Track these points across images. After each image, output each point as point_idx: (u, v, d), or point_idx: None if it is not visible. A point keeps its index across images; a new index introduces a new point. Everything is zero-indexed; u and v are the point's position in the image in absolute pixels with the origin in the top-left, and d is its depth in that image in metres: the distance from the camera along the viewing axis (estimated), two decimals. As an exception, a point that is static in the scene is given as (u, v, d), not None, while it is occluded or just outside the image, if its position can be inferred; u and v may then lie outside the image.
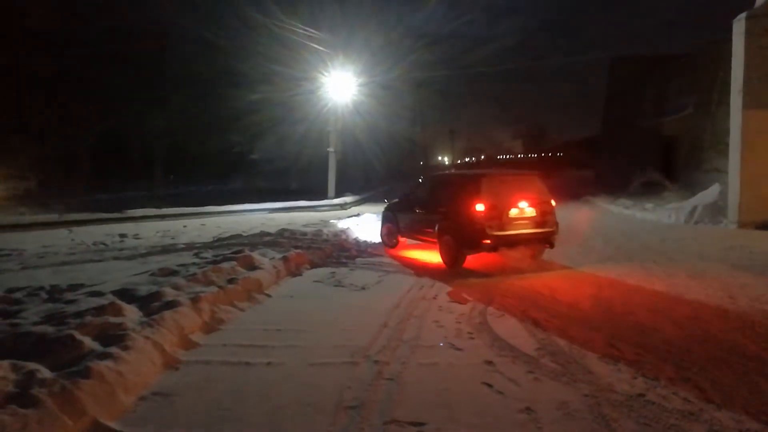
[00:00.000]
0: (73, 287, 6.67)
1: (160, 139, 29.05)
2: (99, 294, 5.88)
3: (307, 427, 3.23)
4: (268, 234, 11.41)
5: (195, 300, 5.35)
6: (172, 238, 12.39)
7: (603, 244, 10.69)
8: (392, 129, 36.50)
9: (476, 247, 7.99)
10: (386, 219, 10.68)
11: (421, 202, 9.61)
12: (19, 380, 3.41)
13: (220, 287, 6.03)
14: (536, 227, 8.19)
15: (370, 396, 3.63)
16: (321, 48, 21.92)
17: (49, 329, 4.49)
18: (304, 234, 11.25)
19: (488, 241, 7.80)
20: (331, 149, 23.98)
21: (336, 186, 23.66)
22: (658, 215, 14.97)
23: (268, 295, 6.52)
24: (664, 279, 7.22)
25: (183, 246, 10.35)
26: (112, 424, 3.23)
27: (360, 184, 30.71)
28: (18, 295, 6.53)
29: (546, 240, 8.37)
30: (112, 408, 3.41)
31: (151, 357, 4.17)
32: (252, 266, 7.29)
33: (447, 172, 10.96)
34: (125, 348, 4.00)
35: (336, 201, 22.26)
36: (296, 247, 9.27)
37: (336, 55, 22.50)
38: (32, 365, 3.64)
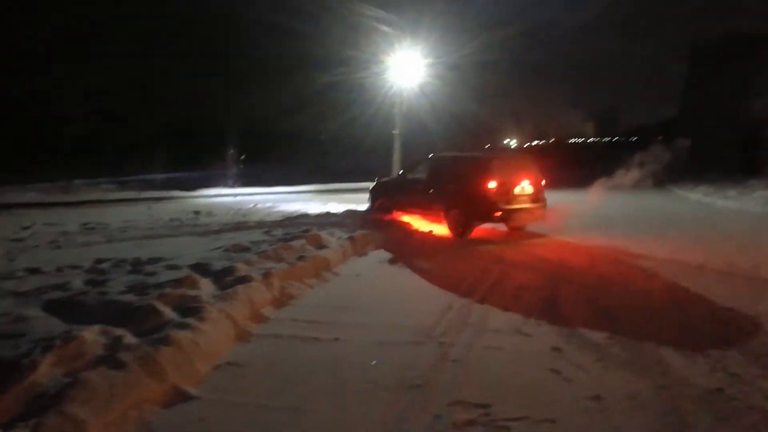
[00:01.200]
0: (152, 260, 7.05)
1: (233, 121, 30.03)
2: (176, 267, 6.20)
3: (372, 403, 3.30)
4: (335, 214, 11.62)
5: (266, 276, 5.54)
6: (243, 216, 12.86)
7: (678, 233, 10.22)
8: (458, 110, 36.02)
9: (487, 219, 9.43)
10: (378, 194, 12.12)
11: (422, 181, 10.65)
12: (108, 344, 3.67)
13: (289, 264, 6.21)
14: (532, 202, 9.63)
15: (434, 376, 3.66)
16: (389, 29, 21.84)
17: (132, 298, 4.80)
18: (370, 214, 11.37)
19: (499, 213, 9.18)
20: (396, 131, 23.97)
21: (400, 167, 23.67)
22: (743, 203, 14.11)
23: (336, 274, 6.66)
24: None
25: (253, 224, 10.71)
26: (190, 390, 3.42)
27: None
28: (104, 265, 6.98)
29: (540, 213, 9.77)
30: (189, 375, 3.60)
31: (225, 329, 4.36)
32: (320, 245, 7.46)
33: (448, 154, 12.38)
34: (201, 319, 4.21)
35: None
36: (362, 228, 9.39)
37: (404, 36, 22.34)
38: (119, 331, 3.91)
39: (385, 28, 21.66)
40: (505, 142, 69.50)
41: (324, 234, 8.22)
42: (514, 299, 5.60)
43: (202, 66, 26.79)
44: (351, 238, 8.16)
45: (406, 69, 23.45)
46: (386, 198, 11.83)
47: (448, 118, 34.61)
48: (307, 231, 8.25)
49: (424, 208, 10.60)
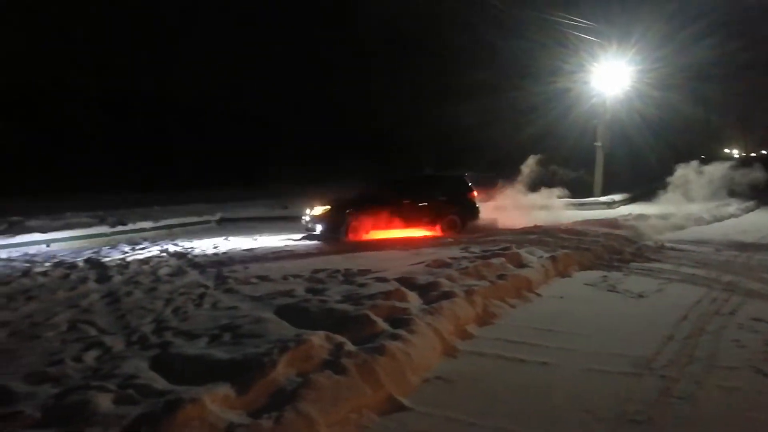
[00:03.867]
0: (362, 272, 7.58)
1: (426, 137, 31.07)
2: (384, 280, 6.58)
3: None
4: (532, 232, 11.31)
5: (469, 292, 5.60)
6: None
7: None
8: (670, 120, 32.71)
9: (476, 219, 13.78)
10: (348, 217, 12.37)
11: (401, 199, 12.87)
12: (331, 349, 4.03)
13: (490, 282, 6.20)
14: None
15: (658, 412, 3.35)
16: (593, 38, 20.76)
17: (348, 307, 5.20)
18: (570, 233, 10.85)
19: (479, 214, 13.88)
20: (598, 143, 22.63)
21: (602, 183, 22.24)
22: None
23: (538, 294, 6.47)
24: None
25: (450, 240, 10.92)
26: (403, 401, 3.58)
27: (629, 180, 28.28)
28: (321, 275, 7.69)
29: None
30: (402, 385, 3.78)
31: (433, 343, 4.50)
32: (520, 264, 7.33)
33: (417, 175, 15.37)
34: (411, 332, 4.40)
35: (603, 199, 20.92)
36: (563, 247, 9.00)
37: (609, 44, 21.05)
38: (339, 338, 4.26)
39: (587, 37, 20.62)
40: (725, 151, 61.29)
41: (523, 252, 8.06)
42: (751, 332, 4.89)
43: (409, 82, 28.55)
44: (552, 258, 7.87)
45: (611, 77, 22.04)
46: (358, 220, 12.54)
47: (659, 129, 31.63)
48: (506, 249, 8.16)
49: (413, 223, 12.97)
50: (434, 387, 3.87)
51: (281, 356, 3.75)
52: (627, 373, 4.01)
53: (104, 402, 3.32)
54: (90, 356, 4.67)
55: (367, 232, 12.55)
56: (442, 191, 13.70)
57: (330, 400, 3.33)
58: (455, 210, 13.49)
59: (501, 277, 6.51)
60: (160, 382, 3.73)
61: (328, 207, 12.64)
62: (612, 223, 12.47)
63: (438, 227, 13.12)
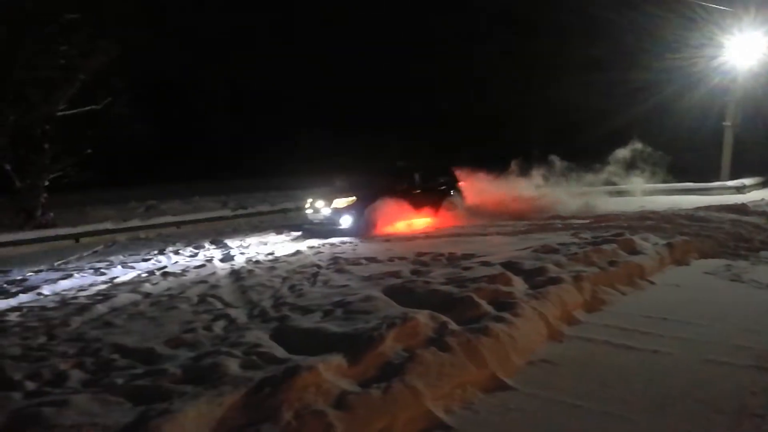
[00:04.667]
0: (466, 256, 7.65)
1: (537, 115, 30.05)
2: (488, 264, 6.60)
3: (700, 423, 3.03)
4: (648, 218, 10.72)
5: (577, 278, 5.49)
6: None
7: None
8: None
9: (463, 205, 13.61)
10: (358, 212, 11.53)
11: (411, 188, 12.50)
12: (436, 327, 4.17)
13: (600, 268, 6.03)
14: None
15: (784, 409, 3.15)
16: (725, 8, 18.99)
17: (453, 289, 5.30)
18: (691, 219, 10.16)
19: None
20: (727, 123, 20.79)
21: (731, 166, 20.44)
22: None
23: (651, 282, 6.19)
24: None
25: (560, 225, 10.64)
26: (507, 381, 3.65)
27: (762, 163, 25.69)
28: (425, 258, 7.87)
29: None
30: (506, 366, 3.84)
31: (537, 326, 4.50)
32: (633, 250, 7.03)
33: (409, 165, 13.84)
34: (516, 315, 4.43)
35: (730, 183, 19.23)
36: (681, 234, 8.47)
37: (746, 12, 19.12)
38: (443, 317, 4.39)
39: (717, 7, 18.91)
40: None
41: (637, 239, 7.70)
42: None
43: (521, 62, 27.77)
44: (669, 245, 7.45)
45: (743, 50, 20.12)
46: (361, 214, 11.76)
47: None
48: (618, 235, 7.84)
49: (419, 210, 12.39)
50: (539, 369, 3.89)
51: (389, 331, 3.95)
52: (751, 366, 3.78)
53: (232, 366, 3.71)
54: (218, 326, 5.17)
55: (393, 224, 11.94)
56: (438, 179, 13.50)
57: (435, 375, 3.48)
58: (451, 197, 13.38)
59: (612, 263, 6.30)
60: (279, 351, 4.08)
61: (353, 198, 11.72)
62: (740, 208, 11.49)
63: (441, 214, 12.85)
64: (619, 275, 6.02)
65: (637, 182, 19.09)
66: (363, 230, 11.51)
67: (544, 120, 30.89)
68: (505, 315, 4.39)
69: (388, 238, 10.78)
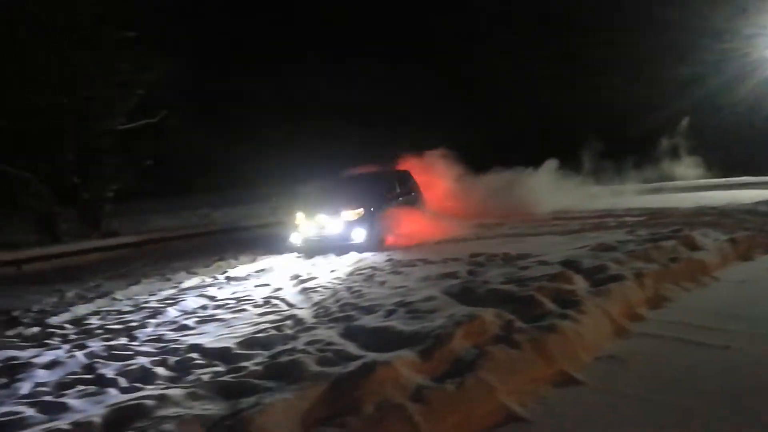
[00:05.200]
0: (521, 256, 7.69)
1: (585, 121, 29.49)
2: (546, 263, 6.63)
3: (781, 418, 3.03)
4: (706, 213, 10.49)
5: (638, 275, 5.48)
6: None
7: None
8: None
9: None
10: (369, 224, 10.55)
11: (394, 195, 12.15)
12: (502, 325, 4.27)
13: (662, 265, 5.99)
14: None
15: None
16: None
17: (513, 288, 5.38)
18: (753, 214, 9.89)
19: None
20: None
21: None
22: None
23: (715, 278, 6.10)
24: None
25: (614, 223, 10.53)
26: (577, 376, 3.72)
27: None
28: (479, 258, 7.95)
29: None
30: (574, 362, 3.90)
31: (602, 323, 4.53)
32: (694, 246, 6.92)
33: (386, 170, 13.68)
34: (580, 312, 4.47)
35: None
36: (744, 229, 8.28)
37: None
38: (508, 315, 4.48)
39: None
40: None
41: (697, 235, 7.57)
42: None
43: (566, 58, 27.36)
44: (732, 240, 7.30)
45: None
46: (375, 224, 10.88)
47: None
48: (677, 231, 7.73)
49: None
50: (607, 365, 3.93)
51: (457, 329, 4.07)
52: (828, 362, 3.74)
53: (309, 362, 3.90)
54: (287, 326, 5.40)
55: (404, 233, 11.25)
56: (405, 185, 12.89)
57: (506, 371, 3.58)
58: (420, 202, 13.03)
59: (673, 260, 6.24)
60: (351, 348, 4.26)
61: (361, 210, 10.62)
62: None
63: (419, 221, 11.90)
64: (681, 272, 5.97)
65: (690, 176, 18.63)
66: (377, 243, 10.62)
67: (594, 116, 30.28)
68: (570, 312, 4.45)
69: (408, 248, 10.28)
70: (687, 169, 21.23)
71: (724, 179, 18.63)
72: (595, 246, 7.34)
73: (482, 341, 4.02)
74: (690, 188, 18.23)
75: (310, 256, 10.33)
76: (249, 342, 4.95)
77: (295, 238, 11.01)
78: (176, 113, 16.88)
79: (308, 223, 10.90)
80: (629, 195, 17.29)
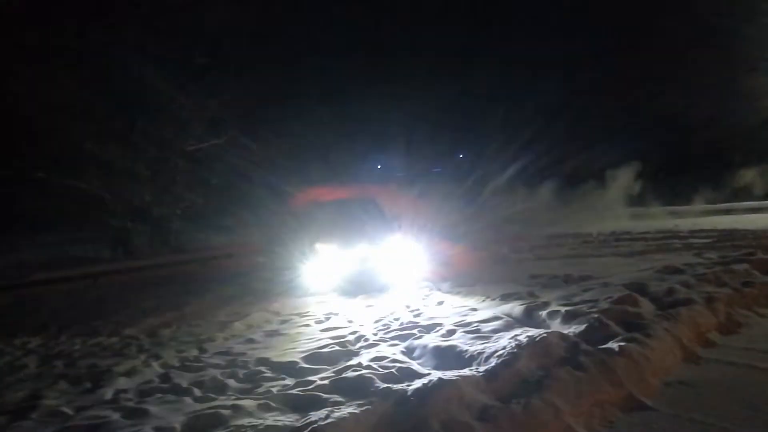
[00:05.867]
0: (583, 277, 7.56)
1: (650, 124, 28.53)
2: (608, 285, 6.51)
3: None
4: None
5: (709, 299, 5.32)
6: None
7: None
8: None
9: None
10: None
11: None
12: (567, 347, 4.24)
13: (734, 289, 5.78)
14: None
15: None
16: None
17: (577, 310, 5.31)
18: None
19: None
20: None
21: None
22: None
23: (793, 304, 5.83)
24: None
25: (680, 245, 10.18)
26: (645, 401, 3.65)
27: None
28: (541, 280, 7.87)
29: None
30: (642, 386, 3.83)
31: (671, 348, 4.42)
32: (768, 270, 6.65)
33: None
34: (647, 335, 4.39)
35: None
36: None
37: None
38: (573, 337, 4.44)
39: None
40: None
41: (772, 258, 7.26)
42: None
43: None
44: (810, 264, 6.96)
45: None
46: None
47: None
48: (750, 254, 7.42)
49: None
50: (677, 390, 3.84)
51: (522, 350, 4.08)
52: None
53: (375, 378, 3.99)
54: (349, 342, 5.52)
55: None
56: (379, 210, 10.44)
57: (573, 394, 3.56)
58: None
59: (746, 284, 6.01)
60: (414, 366, 4.33)
61: (399, 236, 9.36)
62: None
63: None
64: (755, 296, 5.74)
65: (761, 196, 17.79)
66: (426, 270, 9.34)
67: (657, 131, 29.24)
68: (637, 335, 4.37)
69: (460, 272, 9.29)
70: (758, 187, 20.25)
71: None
72: (660, 268, 7.14)
73: (547, 363, 4.01)
74: (763, 209, 17.37)
75: (354, 296, 8.40)
76: (314, 356, 5.10)
77: (327, 275, 9.00)
78: (243, 134, 17.53)
79: (338, 255, 9.03)
80: (694, 215, 16.66)
